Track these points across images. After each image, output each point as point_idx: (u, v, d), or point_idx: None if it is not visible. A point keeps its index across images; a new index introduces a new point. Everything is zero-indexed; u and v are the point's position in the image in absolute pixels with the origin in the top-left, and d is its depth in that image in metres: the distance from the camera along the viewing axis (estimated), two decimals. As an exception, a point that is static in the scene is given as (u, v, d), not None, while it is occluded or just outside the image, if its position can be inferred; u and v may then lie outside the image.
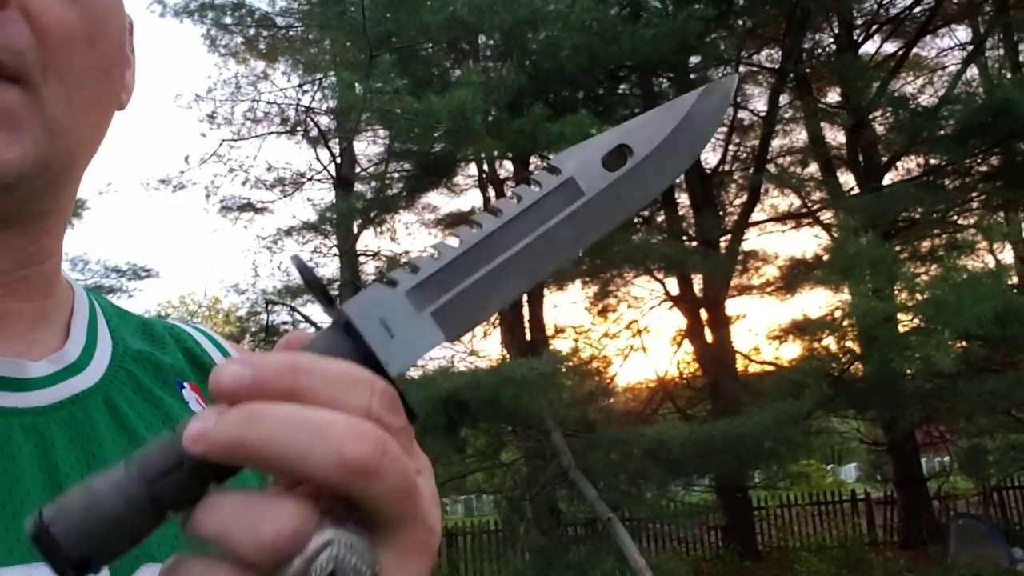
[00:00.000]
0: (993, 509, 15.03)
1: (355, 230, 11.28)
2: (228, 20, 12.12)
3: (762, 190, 13.06)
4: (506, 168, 12.15)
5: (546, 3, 9.05)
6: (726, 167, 13.79)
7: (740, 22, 10.96)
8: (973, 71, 12.40)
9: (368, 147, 13.02)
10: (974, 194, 12.31)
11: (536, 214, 0.40)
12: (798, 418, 9.72)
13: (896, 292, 9.73)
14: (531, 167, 12.29)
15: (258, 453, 0.33)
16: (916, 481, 13.06)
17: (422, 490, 0.37)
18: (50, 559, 0.34)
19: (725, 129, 13.32)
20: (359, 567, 0.33)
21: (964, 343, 10.48)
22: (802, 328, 11.64)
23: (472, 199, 13.97)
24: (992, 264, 10.75)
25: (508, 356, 12.21)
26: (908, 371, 9.77)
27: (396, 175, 12.24)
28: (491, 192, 12.89)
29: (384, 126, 9.99)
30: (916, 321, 9.74)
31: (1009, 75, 11.50)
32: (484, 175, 12.39)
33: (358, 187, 12.59)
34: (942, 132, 10.67)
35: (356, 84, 8.90)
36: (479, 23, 9.08)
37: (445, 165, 11.40)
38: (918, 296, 9.55)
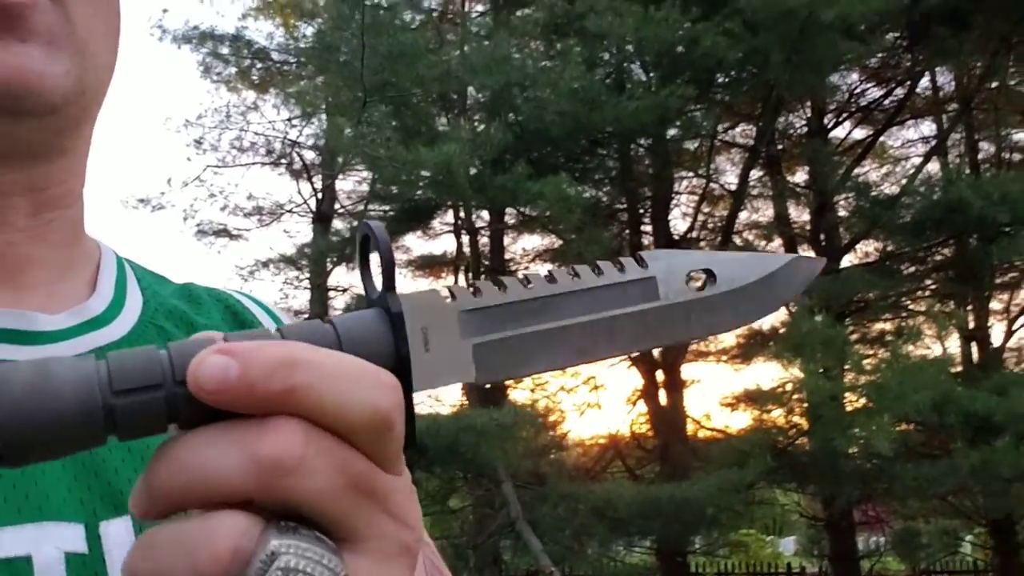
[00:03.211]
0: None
1: (329, 266, 11.49)
2: (225, 50, 12.37)
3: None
4: (482, 218, 12.47)
5: (537, 67, 9.46)
6: (694, 234, 14.27)
7: (718, 98, 11.48)
8: (935, 165, 13.10)
9: (350, 185, 13.29)
10: (926, 283, 12.90)
11: (610, 296, 0.39)
12: (741, 487, 10.02)
13: (844, 372, 10.15)
14: (506, 218, 12.65)
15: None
16: (850, 559, 13.39)
17: (384, 486, 0.33)
18: None
19: (697, 197, 13.84)
20: (318, 574, 0.30)
21: (904, 427, 10.93)
22: (753, 398, 12.04)
23: (446, 244, 14.25)
24: (937, 352, 11.28)
25: (467, 403, 12.40)
26: (849, 450, 10.16)
27: (374, 215, 12.49)
28: (465, 239, 13.19)
29: (370, 170, 10.28)
30: (861, 402, 10.17)
31: (968, 172, 12.18)
32: (460, 222, 12.69)
33: (336, 223, 12.81)
34: (900, 221, 11.21)
35: (347, 128, 9.19)
36: (471, 80, 9.45)
37: (425, 211, 11.70)
38: (864, 378, 9.99)
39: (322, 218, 12.43)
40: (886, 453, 8.71)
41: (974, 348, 12.74)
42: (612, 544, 12.18)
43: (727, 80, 10.36)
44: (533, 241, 14.08)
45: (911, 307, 13.04)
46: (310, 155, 12.54)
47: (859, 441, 9.92)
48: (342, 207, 12.98)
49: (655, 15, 8.70)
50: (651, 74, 9.80)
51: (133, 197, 11.90)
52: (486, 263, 13.05)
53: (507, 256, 14.30)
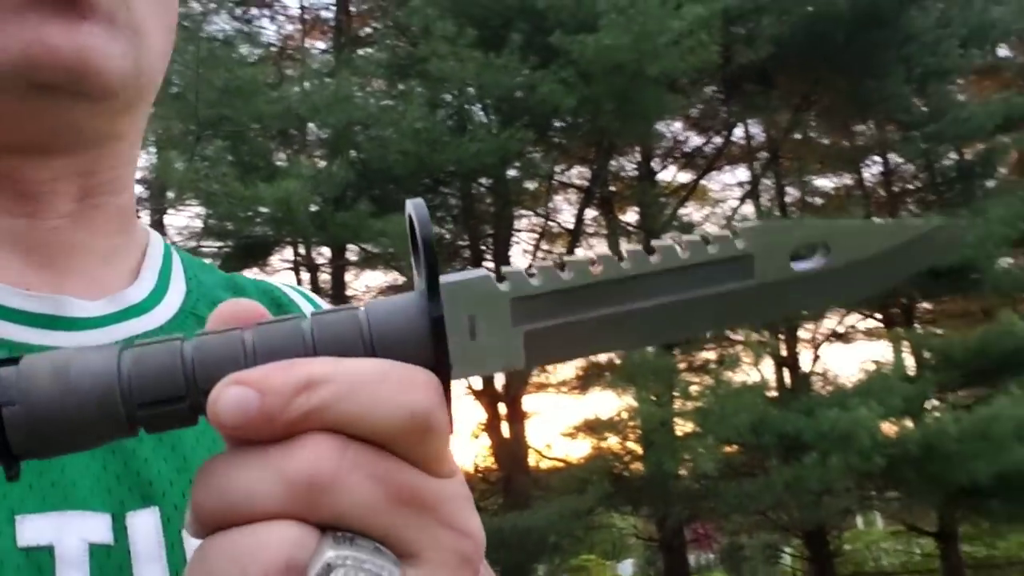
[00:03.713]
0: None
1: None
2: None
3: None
4: (323, 254, 12.40)
5: (379, 106, 9.62)
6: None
7: (556, 141, 12.05)
8: (750, 207, 14.27)
9: (182, 221, 12.86)
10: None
11: (695, 275, 0.35)
12: (581, 513, 10.42)
13: (673, 399, 10.82)
14: (348, 255, 12.63)
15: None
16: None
17: (434, 494, 0.31)
18: None
19: (536, 235, 14.39)
20: None
21: (728, 448, 11.76)
22: (592, 427, 12.56)
23: (287, 279, 14.03)
24: (755, 378, 12.24)
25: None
26: (679, 472, 10.81)
27: (208, 251, 12.14)
28: (305, 275, 13.03)
29: (205, 206, 10.03)
30: (689, 427, 10.89)
31: (777, 215, 13.37)
32: (300, 259, 12.55)
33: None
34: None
35: (179, 162, 8.96)
36: (313, 117, 9.47)
37: (262, 247, 11.49)
38: (691, 404, 10.70)
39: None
40: (711, 473, 9.35)
41: (786, 373, 13.90)
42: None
43: (563, 125, 10.92)
44: (376, 278, 14.12)
45: (732, 337, 14.08)
46: (137, 189, 12.01)
47: (687, 463, 10.60)
48: (172, 242, 12.48)
49: (495, 61, 9.09)
50: (491, 117, 10.19)
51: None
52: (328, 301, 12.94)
53: (349, 293, 14.25)
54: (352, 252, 12.58)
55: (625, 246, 0.36)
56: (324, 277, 13.43)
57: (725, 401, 9.95)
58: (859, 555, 18.48)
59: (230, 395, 0.30)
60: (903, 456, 9.51)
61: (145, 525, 0.48)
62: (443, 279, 0.33)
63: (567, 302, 0.35)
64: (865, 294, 0.40)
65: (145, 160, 11.79)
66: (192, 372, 0.31)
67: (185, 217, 12.73)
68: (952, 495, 10.12)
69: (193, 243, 12.40)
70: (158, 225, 12.38)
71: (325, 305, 0.68)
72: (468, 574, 0.33)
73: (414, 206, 0.34)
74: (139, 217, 0.62)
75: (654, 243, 0.36)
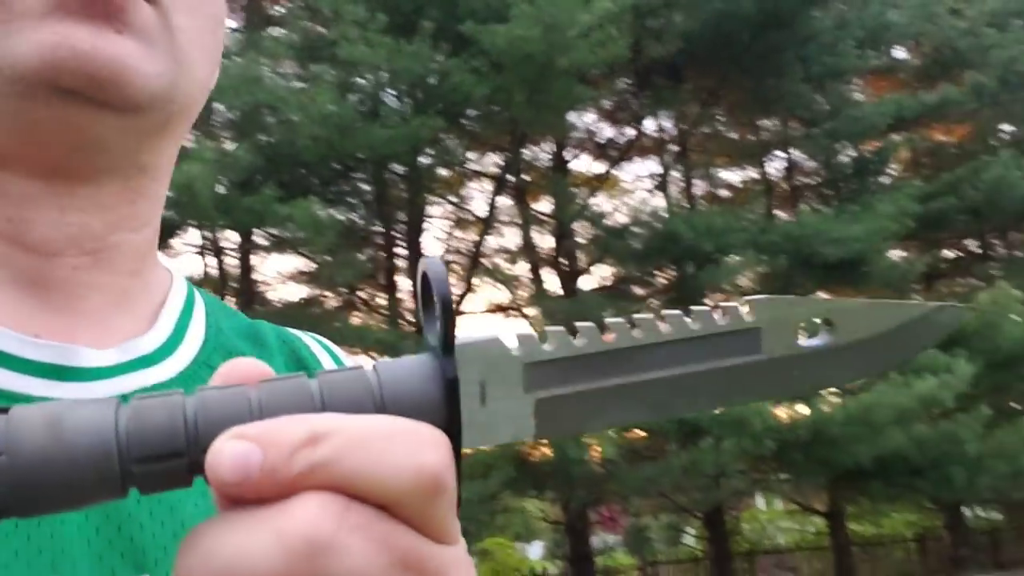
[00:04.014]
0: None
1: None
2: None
3: (477, 284, 14.21)
4: (230, 239, 12.15)
5: (288, 89, 9.46)
6: (448, 258, 14.82)
7: (469, 129, 12.07)
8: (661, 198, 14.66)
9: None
10: (652, 303, 14.35)
11: (703, 347, 0.36)
12: (486, 498, 10.56)
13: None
14: (257, 240, 12.40)
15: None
16: (586, 558, 14.48)
17: (438, 560, 0.30)
18: None
19: (450, 223, 14.42)
20: None
21: (631, 433, 12.10)
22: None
23: (190, 265, 13.68)
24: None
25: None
26: (583, 457, 11.07)
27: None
28: (210, 259, 12.75)
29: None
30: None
31: (686, 206, 13.77)
32: (206, 242, 12.27)
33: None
34: (629, 248, 12.42)
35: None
36: (218, 98, 9.25)
37: (166, 230, 11.17)
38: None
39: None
40: (613, 458, 9.61)
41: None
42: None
43: (476, 114, 10.96)
44: (286, 262, 13.93)
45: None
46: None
47: (592, 448, 10.87)
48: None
49: (406, 48, 9.05)
50: (404, 104, 10.15)
51: None
52: (235, 285, 12.71)
53: (258, 278, 14.02)
54: (260, 236, 12.38)
55: (636, 316, 0.35)
56: (233, 262, 13.18)
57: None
58: (755, 534, 19.26)
59: (230, 449, 0.28)
60: (793, 440, 9.99)
61: None
62: (459, 341, 0.33)
63: (578, 369, 0.34)
64: (869, 374, 0.39)
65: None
66: (194, 428, 0.30)
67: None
68: (838, 477, 10.67)
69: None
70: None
71: (347, 360, 0.66)
72: None
73: (430, 264, 0.33)
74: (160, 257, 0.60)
75: (664, 312, 0.36)
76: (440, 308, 0.32)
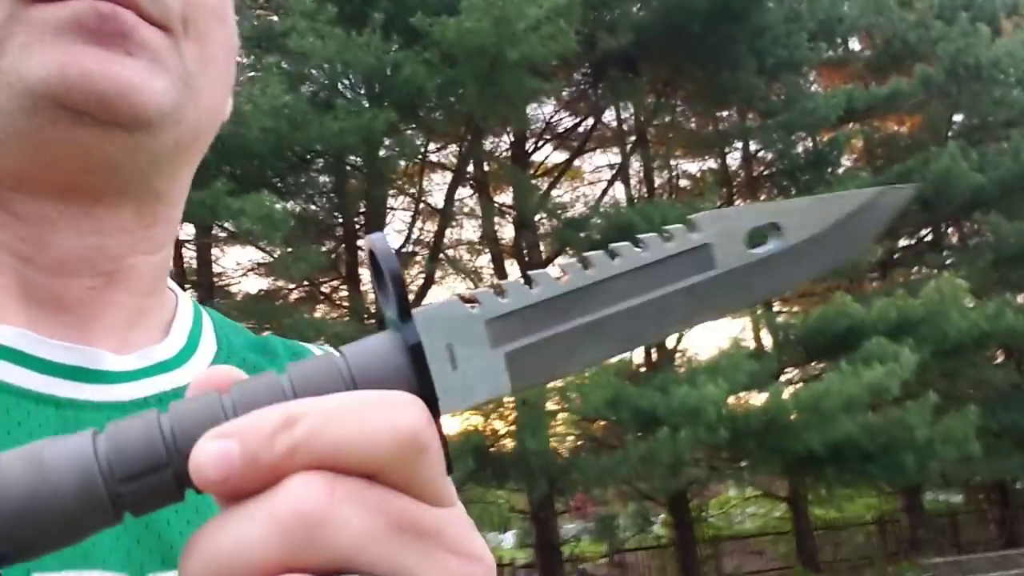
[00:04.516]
0: (616, 569, 17.20)
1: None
2: None
3: (438, 275, 14.21)
4: (186, 231, 12.03)
5: (238, 80, 9.38)
6: (409, 248, 14.80)
7: (425, 121, 12.05)
8: (621, 189, 14.75)
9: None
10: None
11: (658, 273, 0.36)
12: (449, 489, 10.60)
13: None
14: (212, 232, 12.31)
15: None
16: (552, 546, 14.60)
17: (434, 520, 0.31)
18: None
19: (410, 214, 14.40)
20: None
21: (592, 424, 12.20)
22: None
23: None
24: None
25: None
26: (542, 448, 11.15)
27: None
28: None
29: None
30: (553, 405, 11.24)
31: (645, 196, 13.86)
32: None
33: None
34: (587, 240, 12.47)
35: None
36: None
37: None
38: (557, 384, 11.04)
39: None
40: (569, 448, 9.68)
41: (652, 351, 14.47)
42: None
43: (430, 106, 10.95)
44: (245, 255, 13.84)
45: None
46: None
47: (551, 439, 10.95)
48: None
49: (357, 40, 9.01)
50: (356, 95, 10.11)
51: None
52: (194, 279, 12.61)
53: (218, 270, 13.92)
54: (218, 228, 12.29)
55: (589, 254, 0.36)
56: (191, 255, 13.08)
57: (583, 379, 10.30)
58: (723, 520, 19.50)
59: (210, 448, 0.28)
60: (746, 429, 10.12)
61: None
62: (415, 309, 0.33)
63: (541, 317, 0.35)
64: (822, 270, 0.39)
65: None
66: (172, 439, 0.30)
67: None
68: (791, 464, 10.83)
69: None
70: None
71: None
72: None
73: (375, 240, 0.34)
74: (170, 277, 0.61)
75: (614, 246, 0.36)
76: (391, 279, 0.33)
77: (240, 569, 0.28)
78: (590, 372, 10.82)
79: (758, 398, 10.92)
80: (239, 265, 14.24)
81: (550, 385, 10.85)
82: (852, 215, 0.39)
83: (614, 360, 12.22)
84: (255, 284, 14.13)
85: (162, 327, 0.57)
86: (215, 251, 13.51)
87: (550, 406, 11.16)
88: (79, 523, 0.29)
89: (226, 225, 10.90)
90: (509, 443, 12.00)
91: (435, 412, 0.32)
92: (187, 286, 12.50)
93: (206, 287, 12.65)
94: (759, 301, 0.40)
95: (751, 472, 12.64)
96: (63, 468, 0.29)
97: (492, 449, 11.74)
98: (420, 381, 0.32)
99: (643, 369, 13.39)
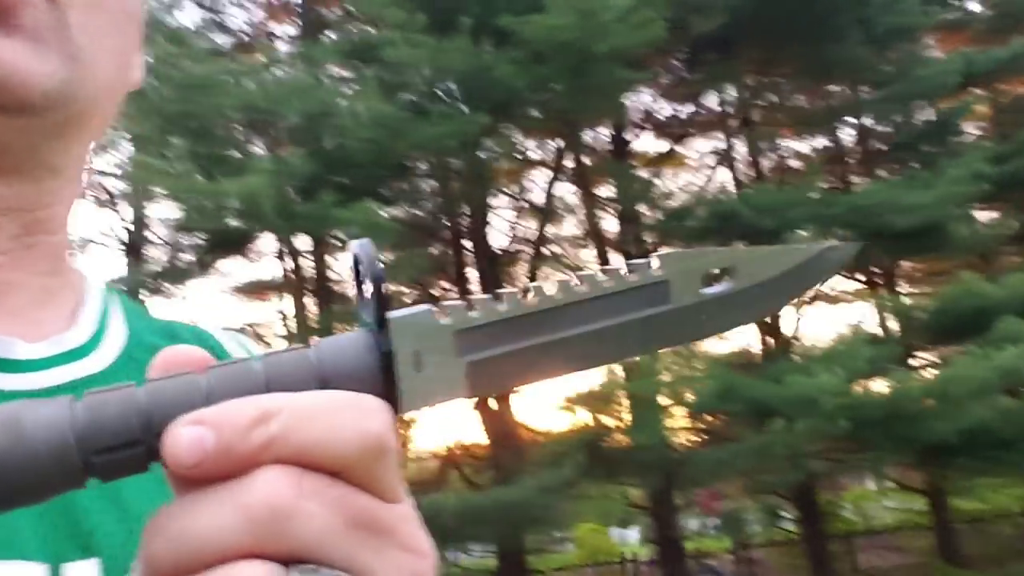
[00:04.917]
0: (743, 565, 16.76)
1: (142, 299, 11.25)
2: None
3: (544, 272, 14.25)
4: (303, 241, 12.56)
5: (336, 98, 9.72)
6: (514, 247, 14.93)
7: (520, 121, 12.11)
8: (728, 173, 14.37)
9: (165, 212, 13.04)
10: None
11: (618, 302, 0.38)
12: (561, 486, 10.63)
13: (656, 372, 10.96)
14: (325, 241, 12.79)
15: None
16: (673, 541, 14.40)
17: (389, 517, 0.32)
18: None
19: (514, 213, 14.51)
20: None
21: (706, 417, 11.97)
22: (583, 400, 12.72)
23: (271, 267, 14.25)
24: (730, 346, 12.41)
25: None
26: (658, 441, 11.01)
27: (188, 243, 12.36)
28: (288, 262, 13.22)
29: (174, 200, 10.21)
30: (665, 399, 11.09)
31: (751, 181, 13.46)
32: (283, 246, 12.73)
33: (150, 251, 12.53)
34: (691, 229, 12.21)
35: (147, 159, 9.13)
36: (272, 109, 9.60)
37: (239, 237, 11.67)
38: (666, 376, 10.88)
39: (133, 248, 12.14)
40: (681, 442, 9.51)
41: (768, 339, 14.03)
42: (445, 552, 12.55)
43: (523, 105, 11.01)
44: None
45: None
46: (118, 184, 12.24)
47: (665, 433, 10.81)
48: (155, 235, 12.74)
49: (448, 46, 9.17)
50: (450, 101, 10.28)
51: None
52: (311, 287, 13.16)
53: (334, 277, 14.45)
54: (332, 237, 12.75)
55: (556, 278, 0.38)
56: (308, 263, 13.64)
57: (693, 370, 10.11)
58: (858, 515, 18.71)
59: (186, 433, 0.30)
60: (868, 418, 9.66)
61: None
62: (391, 315, 0.35)
63: (505, 332, 0.37)
64: (766, 313, 0.42)
65: (120, 155, 12.00)
66: (148, 417, 0.31)
67: (168, 209, 12.95)
68: (921, 454, 10.27)
69: (173, 234, 12.65)
70: (139, 220, 12.59)
71: (257, 351, 0.67)
72: None
73: (360, 246, 0.35)
74: (73, 257, 0.60)
75: (579, 274, 0.39)
76: (372, 286, 0.35)
77: (206, 552, 0.29)
78: (700, 364, 10.61)
79: (881, 385, 10.42)
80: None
81: (661, 378, 10.70)
82: (801, 266, 0.42)
83: (725, 351, 11.96)
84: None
85: (70, 310, 0.56)
86: (330, 259, 14.05)
87: (662, 400, 11.01)
88: (49, 485, 0.31)
89: (334, 235, 11.30)
90: (621, 438, 11.92)
91: (396, 410, 0.34)
92: (306, 294, 13.06)
93: (323, 294, 13.16)
94: (708, 337, 0.42)
95: (877, 464, 12.06)
96: (40, 435, 0.30)
97: (604, 444, 11.68)
98: (386, 383, 0.34)
99: (757, 359, 13.01)
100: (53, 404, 0.31)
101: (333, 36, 11.46)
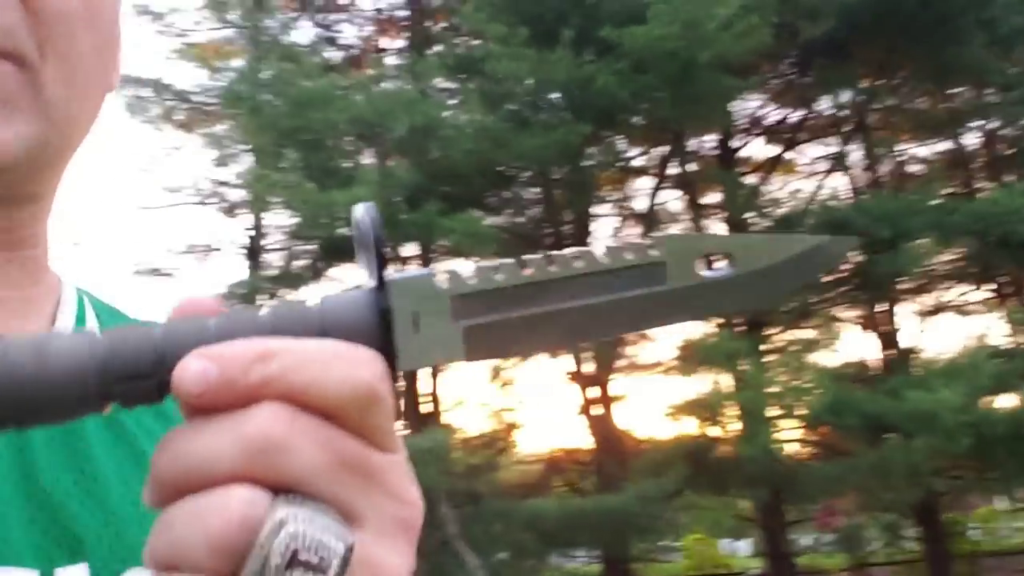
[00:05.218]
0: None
1: (259, 301, 11.82)
2: (147, 92, 12.69)
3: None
4: (409, 249, 12.89)
5: (441, 110, 9.96)
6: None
7: (624, 129, 12.06)
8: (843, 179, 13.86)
9: (280, 220, 13.64)
10: (834, 294, 13.60)
11: (614, 279, 0.38)
12: (664, 495, 10.52)
13: (764, 382, 10.70)
14: (431, 252, 13.09)
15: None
16: (784, 556, 13.98)
17: (377, 463, 0.34)
18: None
19: (617, 221, 14.46)
20: (326, 542, 0.31)
21: (818, 430, 11.57)
22: (688, 408, 12.54)
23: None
24: (841, 359, 11.96)
25: (405, 428, 12.75)
26: (766, 454, 10.72)
27: (302, 250, 12.89)
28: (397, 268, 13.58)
29: (288, 210, 10.69)
30: (773, 410, 10.80)
31: (870, 186, 12.94)
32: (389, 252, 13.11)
33: (267, 257, 13.15)
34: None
35: (263, 171, 9.59)
36: (380, 122, 9.92)
37: (349, 246, 12.07)
38: (774, 387, 10.60)
39: (252, 254, 12.77)
40: (791, 455, 9.24)
41: (881, 351, 13.45)
42: (547, 557, 12.60)
43: (626, 113, 10.97)
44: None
45: (824, 315, 13.71)
46: (237, 194, 12.87)
47: (773, 445, 10.51)
48: (272, 241, 13.36)
49: (550, 57, 9.25)
50: (549, 113, 10.36)
51: (67, 240, 12.05)
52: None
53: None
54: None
55: (554, 252, 0.39)
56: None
57: (802, 382, 9.83)
58: (981, 534, 17.71)
59: (193, 366, 0.32)
60: (994, 436, 9.15)
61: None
62: (390, 277, 0.36)
63: (501, 300, 0.38)
64: (763, 302, 0.42)
65: (240, 166, 12.64)
66: (161, 352, 0.34)
67: (283, 217, 13.55)
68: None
69: (289, 240, 13.24)
70: (258, 227, 13.23)
71: None
72: (409, 538, 0.36)
73: (363, 209, 0.36)
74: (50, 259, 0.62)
75: (578, 249, 0.39)
76: (374, 247, 0.36)
77: (203, 472, 0.32)
78: (811, 375, 10.28)
79: (1008, 401, 9.84)
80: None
81: (770, 390, 10.42)
82: (799, 256, 0.42)
83: (836, 363, 11.53)
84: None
85: (47, 317, 0.58)
86: (437, 265, 14.32)
87: (771, 411, 10.73)
88: (70, 408, 0.34)
89: (442, 244, 11.55)
90: (729, 449, 11.68)
91: (393, 368, 0.36)
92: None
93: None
94: (701, 319, 0.44)
95: (1005, 483, 11.38)
96: (62, 361, 0.33)
97: (710, 455, 11.47)
98: (383, 339, 0.36)
99: (873, 371, 12.49)
100: (77, 336, 0.34)
101: (439, 50, 11.72)
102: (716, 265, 0.40)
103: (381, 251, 0.36)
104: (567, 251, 0.39)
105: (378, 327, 0.35)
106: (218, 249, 13.33)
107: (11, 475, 0.48)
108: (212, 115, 13.37)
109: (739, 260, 0.41)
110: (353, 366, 0.33)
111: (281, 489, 0.32)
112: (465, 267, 0.38)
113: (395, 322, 0.36)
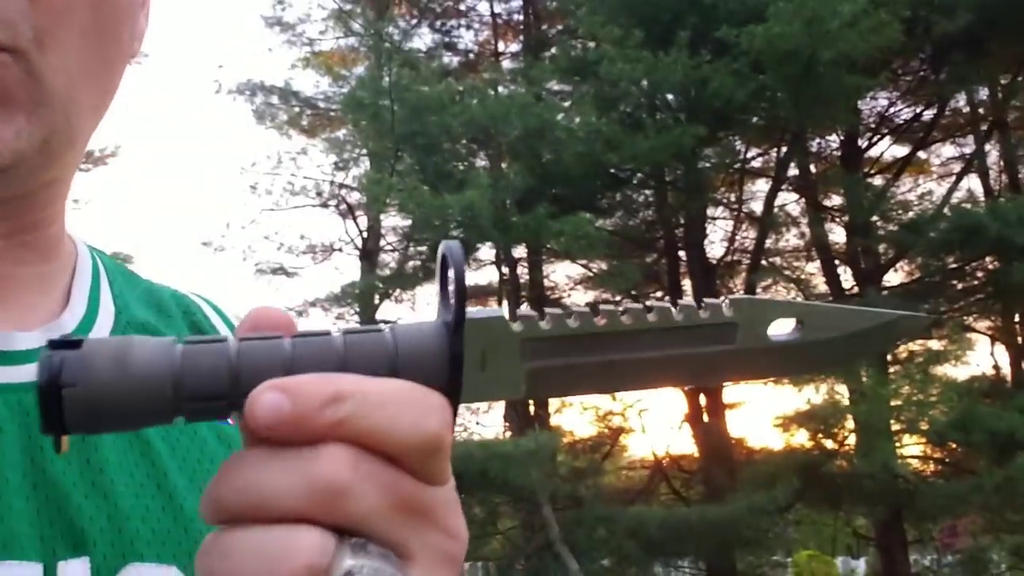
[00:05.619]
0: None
1: (376, 301, 12.18)
2: (275, 100, 13.27)
3: (763, 283, 13.73)
4: (519, 250, 12.99)
5: (553, 114, 9.99)
6: (731, 258, 14.52)
7: (741, 130, 11.79)
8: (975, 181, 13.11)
9: (396, 222, 14.00)
10: (964, 303, 12.86)
11: (684, 335, 0.39)
12: (772, 508, 10.22)
13: (882, 395, 10.26)
14: (542, 255, 13.15)
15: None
16: (900, 576, 13.35)
17: (431, 501, 0.35)
18: (42, 415, 0.33)
19: (731, 222, 14.12)
20: None
21: (942, 446, 10.98)
22: (801, 420, 12.14)
23: (490, 274, 14.87)
24: (968, 372, 11.30)
25: (509, 429, 12.89)
26: (886, 470, 10.26)
27: (416, 251, 13.19)
28: (505, 270, 13.74)
29: (403, 213, 10.96)
30: (893, 424, 10.32)
31: (1000, 190, 12.19)
32: (500, 254, 13.26)
33: (383, 258, 13.53)
34: (932, 242, 11.24)
35: (381, 175, 9.87)
36: (494, 126, 10.05)
37: (463, 246, 12.26)
38: (894, 400, 10.14)
39: (368, 255, 13.16)
40: (913, 471, 8.81)
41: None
42: (650, 566, 12.45)
43: (743, 114, 10.72)
44: (574, 269, 14.57)
45: (953, 324, 13.00)
46: (356, 196, 13.29)
47: (891, 460, 10.05)
48: (387, 243, 13.73)
49: (665, 59, 9.14)
50: (663, 114, 10.23)
51: (197, 241, 12.74)
52: (525, 293, 13.59)
53: (549, 284, 14.81)
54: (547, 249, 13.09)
55: (628, 304, 0.39)
56: (525, 271, 14.10)
57: (926, 396, 9.37)
58: None
59: (267, 399, 0.32)
60: None
61: (75, 575, 0.49)
62: (467, 316, 0.36)
63: (570, 347, 0.38)
64: (830, 368, 0.57)
65: (358, 170, 13.06)
66: (237, 374, 0.34)
67: (398, 219, 13.91)
68: None
69: (405, 242, 13.59)
70: (374, 229, 13.63)
71: (233, 320, 0.70)
72: (452, 570, 0.36)
73: (448, 247, 0.37)
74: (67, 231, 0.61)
75: (651, 303, 0.40)
76: (456, 286, 0.36)
77: (267, 507, 0.32)
78: (935, 389, 9.77)
79: None
80: (568, 279, 15.02)
81: (892, 402, 9.97)
82: (869, 331, 0.42)
83: (965, 376, 10.92)
84: (584, 297, 14.77)
85: (63, 290, 0.58)
86: (546, 267, 14.42)
87: (891, 425, 10.26)
88: (142, 420, 0.35)
89: (550, 246, 11.60)
90: (844, 463, 11.24)
91: (455, 404, 0.36)
92: (523, 301, 13.50)
93: (538, 300, 13.54)
94: (765, 379, 0.46)
95: None
96: (143, 372, 0.34)
97: (824, 468, 11.07)
98: (452, 381, 0.36)
99: (1002, 386, 11.75)
100: (158, 345, 0.35)
101: (553, 53, 11.76)
102: (786, 329, 0.41)
103: (462, 291, 0.36)
104: (641, 304, 0.39)
105: (448, 366, 0.36)
106: (338, 250, 13.81)
107: (18, 461, 0.49)
108: (335, 120, 13.87)
109: (809, 327, 0.41)
110: (423, 414, 0.34)
111: (342, 530, 0.33)
112: (539, 312, 0.38)
113: (465, 362, 0.36)
